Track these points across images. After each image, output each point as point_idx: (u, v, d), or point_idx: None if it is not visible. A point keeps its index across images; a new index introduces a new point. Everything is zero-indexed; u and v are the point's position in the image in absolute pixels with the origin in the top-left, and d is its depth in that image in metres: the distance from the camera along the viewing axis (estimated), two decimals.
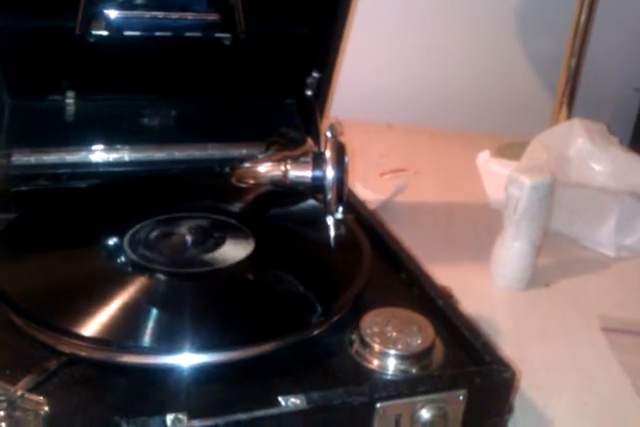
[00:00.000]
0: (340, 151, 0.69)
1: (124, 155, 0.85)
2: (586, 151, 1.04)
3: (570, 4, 1.23)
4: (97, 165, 0.84)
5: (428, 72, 1.48)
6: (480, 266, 0.90)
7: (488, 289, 0.88)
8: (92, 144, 0.85)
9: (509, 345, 0.74)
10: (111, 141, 0.85)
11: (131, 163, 0.85)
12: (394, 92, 1.47)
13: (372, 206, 0.86)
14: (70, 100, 0.87)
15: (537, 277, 0.89)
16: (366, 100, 1.44)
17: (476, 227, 1.03)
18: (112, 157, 0.85)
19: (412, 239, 0.82)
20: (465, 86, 1.49)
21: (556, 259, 0.95)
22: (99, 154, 0.85)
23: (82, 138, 0.85)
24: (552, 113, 1.31)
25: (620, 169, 1.02)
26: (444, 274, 0.73)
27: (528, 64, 1.48)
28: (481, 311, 0.79)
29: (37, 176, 0.82)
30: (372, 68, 1.44)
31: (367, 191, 1.06)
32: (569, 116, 1.27)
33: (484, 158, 1.21)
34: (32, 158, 0.82)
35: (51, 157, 0.83)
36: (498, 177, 1.10)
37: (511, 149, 1.23)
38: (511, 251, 0.86)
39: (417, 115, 1.48)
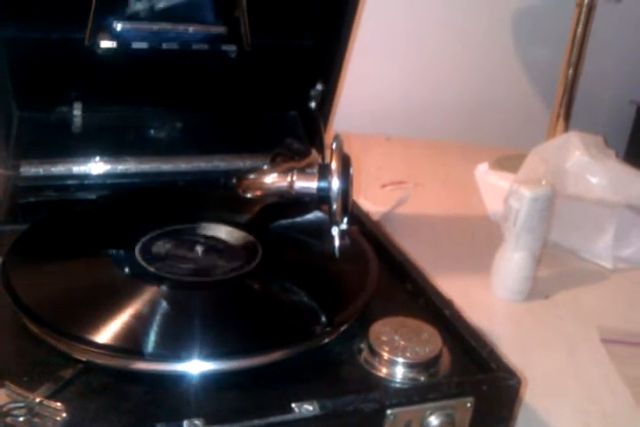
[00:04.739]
0: (345, 163, 0.70)
1: (130, 166, 0.86)
2: (583, 164, 1.05)
3: (567, 16, 1.25)
4: (104, 176, 0.85)
5: (425, 84, 1.49)
6: (480, 277, 0.91)
7: (488, 300, 0.89)
8: (99, 155, 0.85)
9: (510, 356, 0.74)
10: (118, 153, 0.86)
11: (137, 174, 0.87)
12: (390, 105, 1.48)
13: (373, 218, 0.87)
14: (77, 111, 0.87)
15: (536, 289, 0.90)
16: (363, 113, 1.44)
17: (476, 239, 1.04)
18: (119, 168, 0.86)
19: (412, 251, 0.82)
20: (462, 98, 1.50)
21: (554, 271, 0.96)
22: (106, 165, 0.85)
23: (89, 149, 0.86)
24: (548, 125, 1.32)
25: (617, 182, 1.03)
26: (444, 285, 0.73)
27: (525, 77, 1.50)
28: (481, 323, 0.79)
29: (45, 187, 0.83)
30: (369, 81, 1.45)
31: (368, 203, 1.07)
32: (566, 128, 1.29)
33: (483, 171, 1.21)
34: (40, 170, 0.83)
35: (58, 169, 0.84)
36: (496, 189, 1.11)
37: (509, 162, 1.24)
38: (511, 262, 0.87)
39: (413, 127, 1.49)
